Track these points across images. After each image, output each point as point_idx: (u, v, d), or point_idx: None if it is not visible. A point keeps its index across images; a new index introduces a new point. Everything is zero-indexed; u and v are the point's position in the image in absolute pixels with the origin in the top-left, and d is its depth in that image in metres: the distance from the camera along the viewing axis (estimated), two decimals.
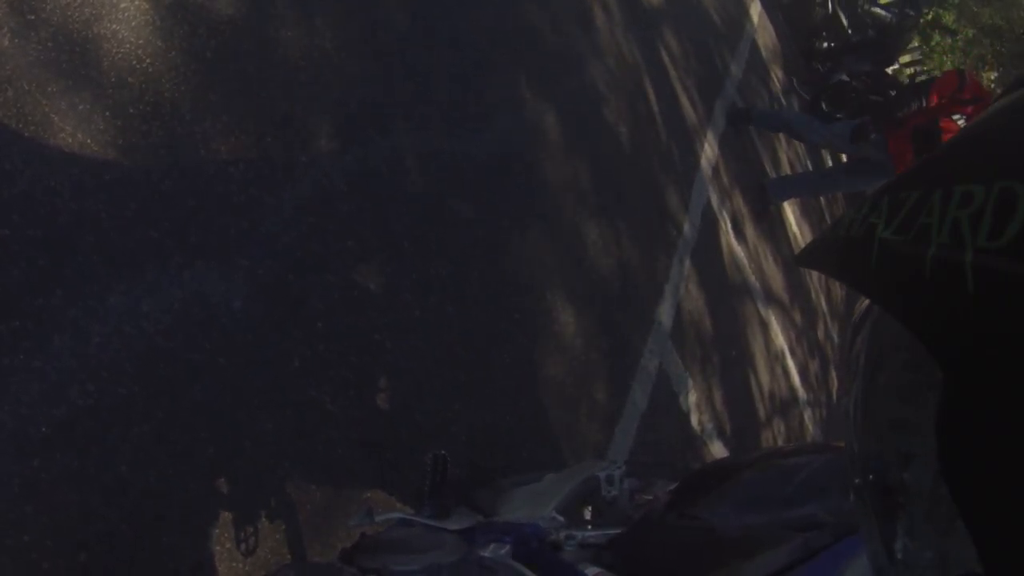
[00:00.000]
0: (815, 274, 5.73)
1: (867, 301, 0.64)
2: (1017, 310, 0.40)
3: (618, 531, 1.34)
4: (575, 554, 1.28)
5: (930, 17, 11.81)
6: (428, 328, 2.25)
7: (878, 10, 7.57)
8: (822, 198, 7.08)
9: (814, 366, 5.25)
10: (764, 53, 7.20)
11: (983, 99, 4.40)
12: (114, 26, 1.77)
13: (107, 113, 1.70)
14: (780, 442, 4.23)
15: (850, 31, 7.50)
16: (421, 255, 2.32)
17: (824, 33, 7.47)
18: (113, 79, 1.73)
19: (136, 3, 1.82)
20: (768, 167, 5.68)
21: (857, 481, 0.60)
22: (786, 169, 6.11)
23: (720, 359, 3.82)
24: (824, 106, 6.71)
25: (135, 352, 1.58)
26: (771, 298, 4.80)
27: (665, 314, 3.44)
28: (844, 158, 5.55)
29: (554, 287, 2.83)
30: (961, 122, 4.26)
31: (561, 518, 1.57)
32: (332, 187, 2.13)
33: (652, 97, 4.30)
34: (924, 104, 4.40)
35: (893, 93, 6.19)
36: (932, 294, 0.46)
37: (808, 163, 6.90)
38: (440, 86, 2.70)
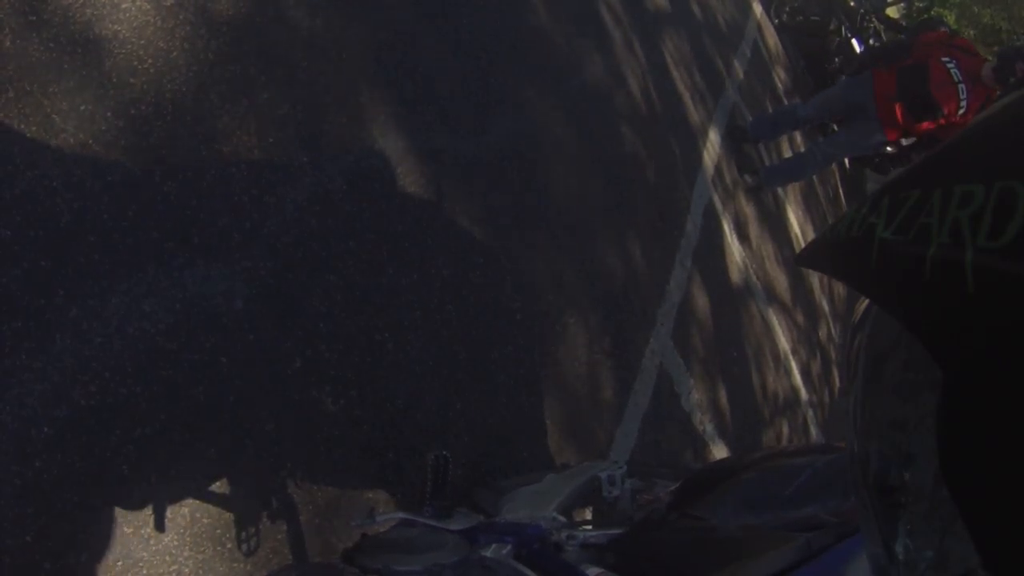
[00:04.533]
0: (817, 274, 5.72)
1: (867, 301, 0.64)
2: (1017, 310, 0.40)
3: (620, 531, 1.34)
4: (577, 554, 1.28)
5: (931, 15, 11.80)
6: (429, 328, 2.25)
7: None
8: (823, 198, 7.07)
9: (816, 366, 5.25)
10: (766, 54, 7.20)
11: (973, 52, 4.36)
12: (115, 27, 1.77)
13: (109, 114, 1.70)
14: (782, 442, 4.23)
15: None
16: (422, 255, 2.32)
17: (836, 59, 7.51)
18: (115, 80, 1.73)
19: (137, 4, 1.83)
20: (767, 159, 5.66)
21: (857, 481, 0.60)
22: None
23: (722, 359, 3.81)
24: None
25: (137, 352, 1.58)
26: (773, 298, 4.79)
27: (667, 314, 3.44)
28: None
29: (555, 287, 2.83)
30: (951, 66, 4.18)
31: (563, 518, 1.57)
32: (333, 187, 2.13)
33: (654, 97, 4.30)
34: (911, 49, 4.44)
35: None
36: (932, 294, 0.46)
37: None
38: (441, 86, 2.70)
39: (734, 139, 5.07)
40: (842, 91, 4.75)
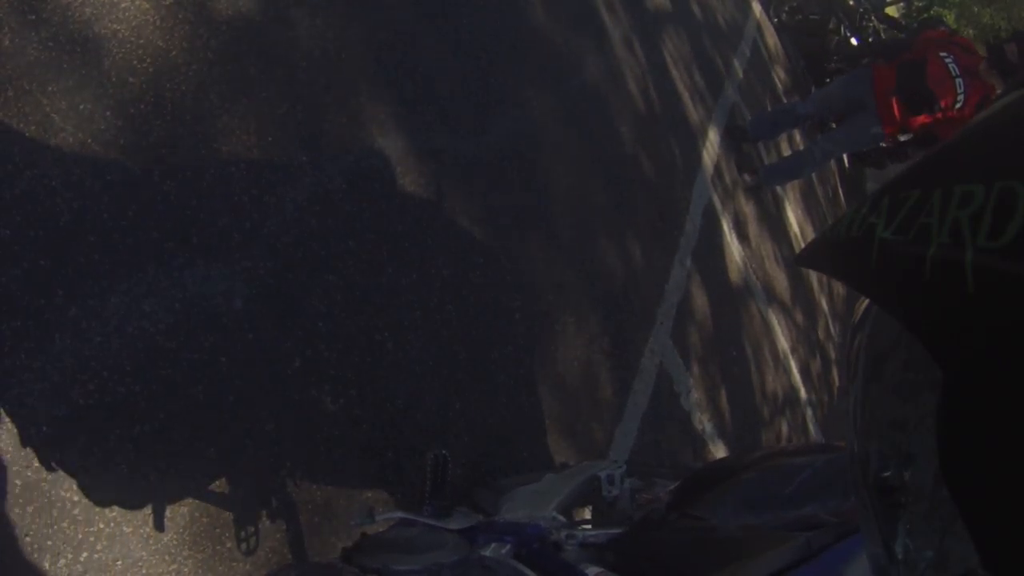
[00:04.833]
0: (816, 274, 5.72)
1: (867, 301, 0.64)
2: (1017, 310, 0.40)
3: (619, 531, 1.34)
4: (576, 554, 1.28)
5: (931, 15, 11.81)
6: (429, 328, 2.25)
7: None
8: (822, 198, 7.08)
9: (815, 366, 5.25)
10: (765, 53, 7.20)
11: (972, 50, 4.41)
12: (115, 26, 1.77)
13: (108, 113, 1.70)
14: (781, 442, 4.23)
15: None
16: (422, 255, 2.32)
17: (835, 58, 7.51)
18: (114, 79, 1.73)
19: (137, 3, 1.83)
20: (766, 158, 5.66)
21: (857, 481, 0.60)
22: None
23: (721, 359, 3.82)
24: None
25: (136, 352, 1.58)
26: (772, 298, 4.79)
27: (666, 314, 3.44)
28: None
29: (554, 287, 2.83)
30: (948, 61, 4.23)
31: (562, 518, 1.58)
32: (333, 187, 2.13)
33: (654, 96, 4.30)
34: (911, 46, 4.51)
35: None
36: (932, 294, 0.46)
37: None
38: (441, 86, 2.70)
39: (733, 138, 5.06)
40: (842, 87, 4.78)
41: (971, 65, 4.23)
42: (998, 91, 4.20)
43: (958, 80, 4.17)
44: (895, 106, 4.35)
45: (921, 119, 4.34)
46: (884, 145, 5.26)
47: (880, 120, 4.46)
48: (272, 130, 2.04)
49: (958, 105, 4.19)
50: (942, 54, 4.27)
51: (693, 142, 4.59)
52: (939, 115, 4.24)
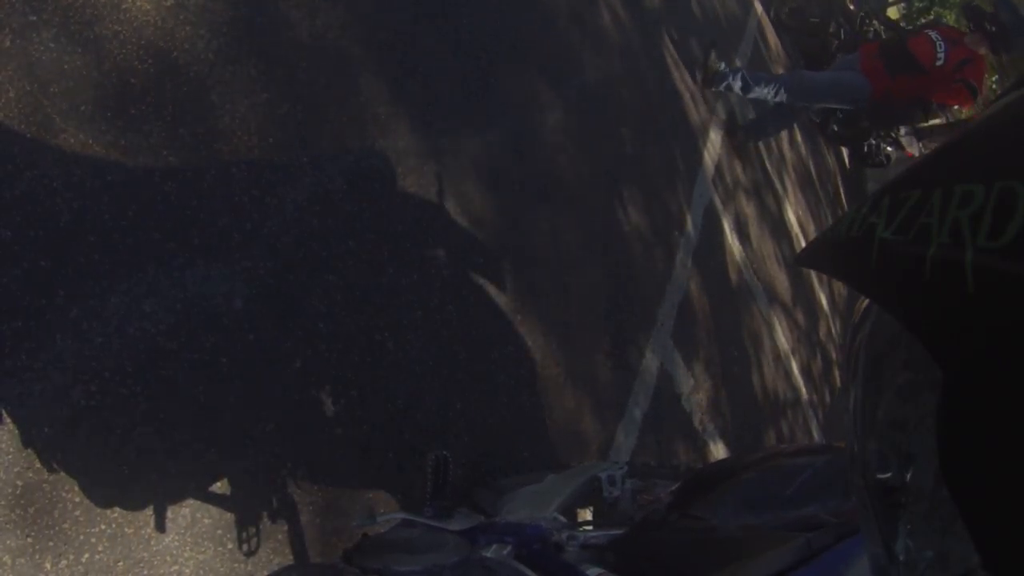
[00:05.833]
0: (817, 273, 5.72)
1: (867, 301, 0.64)
2: (1017, 310, 0.40)
3: (620, 531, 1.34)
4: (577, 554, 1.28)
5: (930, 16, 11.80)
6: (429, 328, 2.25)
7: None
8: (823, 198, 7.07)
9: (816, 366, 5.25)
10: (766, 53, 7.20)
11: (959, 37, 4.57)
12: (116, 27, 1.77)
13: (109, 114, 1.70)
14: (782, 442, 4.23)
15: None
16: (422, 255, 2.32)
17: (837, 59, 7.53)
18: (115, 80, 1.73)
19: (138, 4, 1.83)
20: (766, 158, 5.67)
21: (858, 481, 0.60)
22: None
23: (722, 359, 3.81)
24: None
25: (137, 352, 1.58)
26: (773, 298, 4.79)
27: (667, 314, 3.44)
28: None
29: (555, 287, 2.83)
30: (932, 34, 4.44)
31: (563, 519, 1.58)
32: (333, 187, 2.13)
33: (654, 97, 4.30)
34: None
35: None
36: (932, 294, 0.46)
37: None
38: (442, 86, 2.70)
39: (704, 48, 4.97)
40: (834, 69, 4.98)
41: (956, 36, 4.47)
42: (982, 53, 4.39)
43: (939, 43, 4.38)
44: (878, 66, 4.56)
45: (905, 80, 4.52)
46: (871, 104, 5.32)
47: (868, 81, 4.64)
48: (272, 130, 2.04)
49: (939, 62, 4.37)
50: (927, 31, 4.53)
51: (694, 142, 4.59)
52: (922, 77, 4.42)
